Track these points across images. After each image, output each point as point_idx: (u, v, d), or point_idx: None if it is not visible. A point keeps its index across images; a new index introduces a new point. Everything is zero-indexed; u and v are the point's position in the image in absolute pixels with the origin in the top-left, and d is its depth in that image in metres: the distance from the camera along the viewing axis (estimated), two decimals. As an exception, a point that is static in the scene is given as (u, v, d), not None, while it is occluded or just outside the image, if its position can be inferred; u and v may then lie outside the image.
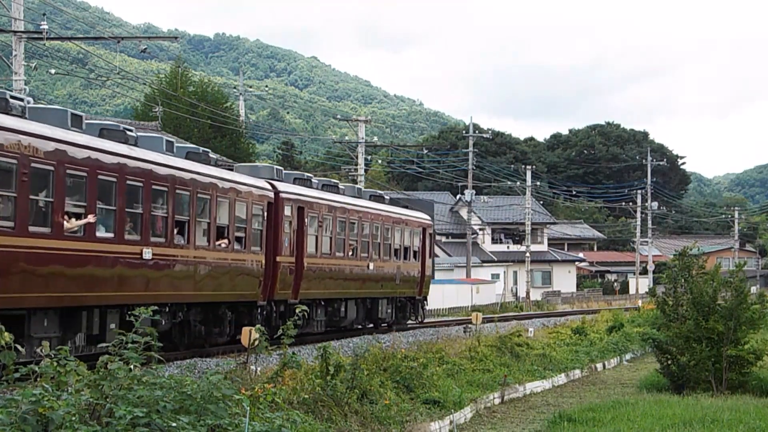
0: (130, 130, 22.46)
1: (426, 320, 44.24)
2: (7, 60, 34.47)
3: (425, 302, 42.61)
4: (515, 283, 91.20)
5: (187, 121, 73.95)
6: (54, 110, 20.50)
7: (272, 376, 16.90)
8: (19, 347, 11.74)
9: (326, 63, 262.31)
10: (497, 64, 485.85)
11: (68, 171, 19.09)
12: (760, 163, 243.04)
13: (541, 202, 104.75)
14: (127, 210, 21.16)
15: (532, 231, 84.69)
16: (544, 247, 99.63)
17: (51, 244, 18.69)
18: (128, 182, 21.14)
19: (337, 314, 33.29)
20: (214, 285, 25.30)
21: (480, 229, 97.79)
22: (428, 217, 42.71)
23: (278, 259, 28.70)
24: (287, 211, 29.37)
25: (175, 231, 23.26)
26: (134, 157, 21.53)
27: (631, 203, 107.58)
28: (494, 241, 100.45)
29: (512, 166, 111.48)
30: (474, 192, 78.43)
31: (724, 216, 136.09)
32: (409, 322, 40.31)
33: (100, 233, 20.29)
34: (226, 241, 25.77)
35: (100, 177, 20.10)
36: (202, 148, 27.20)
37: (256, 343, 17.64)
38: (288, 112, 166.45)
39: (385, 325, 37.65)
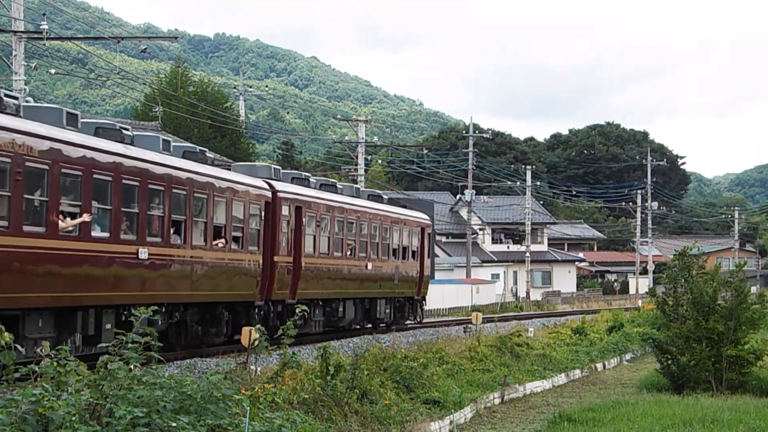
0: (126, 129, 22.34)
1: (426, 320, 44.16)
2: (7, 60, 34.44)
3: (424, 302, 42.52)
4: (515, 283, 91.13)
5: (187, 121, 73.86)
6: (49, 109, 20.37)
7: (272, 376, 16.90)
8: (19, 347, 11.80)
9: (326, 63, 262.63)
10: (497, 64, 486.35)
11: (63, 170, 18.96)
12: (760, 163, 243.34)
13: (541, 202, 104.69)
14: (122, 209, 21.02)
15: (532, 231, 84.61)
16: (544, 247, 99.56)
17: (46, 244, 18.56)
18: (124, 181, 21.01)
19: (335, 314, 33.17)
20: (211, 285, 25.17)
21: (480, 229, 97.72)
22: (427, 217, 42.59)
23: (276, 258, 28.57)
24: (285, 210, 29.24)
25: (172, 231, 23.13)
26: (130, 156, 21.40)
27: (631, 203, 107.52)
28: (494, 241, 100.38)
29: (512, 166, 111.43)
30: (474, 192, 78.37)
31: (724, 216, 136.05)
32: (408, 322, 40.19)
33: (96, 233, 20.16)
34: (223, 240, 25.64)
35: (95, 176, 19.97)
36: (199, 147, 27.09)
37: (256, 343, 17.61)
38: (288, 112, 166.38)
39: (384, 325, 37.53)
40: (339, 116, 76.67)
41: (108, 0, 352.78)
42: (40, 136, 18.35)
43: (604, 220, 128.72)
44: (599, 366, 37.44)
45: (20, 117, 18.52)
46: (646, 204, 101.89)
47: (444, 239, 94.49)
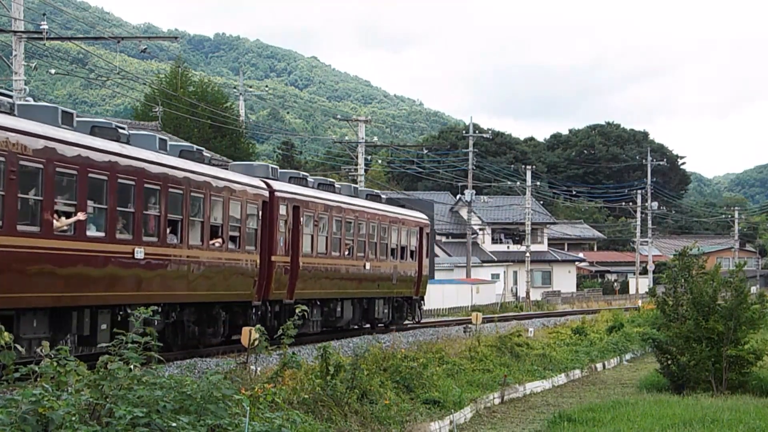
0: (122, 128, 22.21)
1: (426, 320, 44.08)
2: (7, 60, 34.41)
3: (422, 302, 42.42)
4: (515, 283, 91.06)
5: (187, 121, 73.80)
6: (44, 107, 20.22)
7: (272, 376, 16.89)
8: (18, 347, 11.78)
9: (326, 63, 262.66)
10: (497, 64, 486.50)
11: (58, 169, 18.82)
12: (760, 163, 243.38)
13: (541, 202, 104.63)
14: (118, 209, 20.88)
15: (532, 231, 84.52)
16: (544, 247, 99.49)
17: (40, 244, 18.42)
18: (120, 181, 20.86)
19: (333, 314, 33.03)
20: (207, 285, 25.03)
21: (480, 229, 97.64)
22: (425, 217, 42.45)
23: (273, 258, 28.43)
24: (282, 210, 29.11)
25: (168, 230, 23.00)
26: (126, 155, 21.26)
27: (631, 203, 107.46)
28: (494, 241, 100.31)
29: (512, 166, 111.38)
30: (474, 192, 78.32)
31: (724, 216, 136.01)
32: (406, 322, 40.07)
33: (91, 232, 20.02)
34: (220, 240, 25.51)
35: (90, 175, 19.82)
36: (196, 147, 26.95)
37: (256, 343, 17.57)
38: (288, 112, 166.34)
39: (382, 325, 37.41)
40: (339, 116, 76.59)
41: (108, 0, 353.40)
42: (34, 135, 18.20)
43: (604, 220, 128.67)
44: (599, 366, 37.36)
45: (14, 115, 18.38)
46: (646, 204, 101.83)
47: (444, 239, 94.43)
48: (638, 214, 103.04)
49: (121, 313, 20.89)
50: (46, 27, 33.97)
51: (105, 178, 20.34)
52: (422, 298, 42.05)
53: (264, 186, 28.40)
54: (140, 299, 20.81)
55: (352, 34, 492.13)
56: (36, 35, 34.40)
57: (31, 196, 18.22)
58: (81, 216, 19.41)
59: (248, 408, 12.64)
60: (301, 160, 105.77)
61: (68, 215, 19.27)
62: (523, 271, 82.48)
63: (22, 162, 17.76)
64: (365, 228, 35.03)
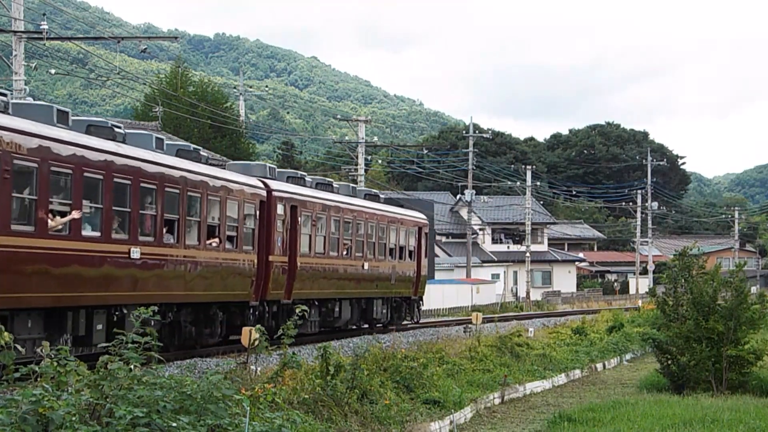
0: (119, 127, 22.07)
1: (426, 320, 44.01)
2: (7, 60, 34.38)
3: (421, 302, 42.32)
4: (515, 283, 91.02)
5: (187, 121, 73.73)
6: (39, 106, 20.12)
7: (272, 376, 16.88)
8: (18, 347, 11.76)
9: (326, 63, 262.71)
10: (497, 64, 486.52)
11: (53, 168, 18.69)
12: (760, 163, 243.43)
13: (541, 202, 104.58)
14: (114, 208, 20.74)
15: (532, 231, 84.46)
16: (544, 247, 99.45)
17: (35, 243, 18.28)
18: (115, 180, 20.73)
19: (331, 314, 32.91)
20: (204, 285, 24.90)
21: (480, 229, 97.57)
22: (424, 217, 42.31)
23: (271, 258, 28.30)
24: (280, 209, 28.97)
25: (165, 230, 22.87)
26: (122, 155, 21.13)
27: (631, 203, 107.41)
28: (494, 241, 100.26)
29: (512, 166, 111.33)
30: (474, 192, 78.29)
31: (724, 216, 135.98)
32: (405, 322, 39.98)
33: (87, 232, 19.89)
34: (217, 240, 25.38)
35: (86, 174, 19.69)
36: (192, 146, 26.83)
37: (256, 343, 17.53)
38: (288, 112, 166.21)
39: (380, 325, 37.30)
40: (339, 116, 76.55)
41: (108, 0, 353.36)
42: (28, 134, 18.07)
43: (604, 220, 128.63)
44: (599, 366, 37.30)
45: (9, 114, 18.25)
46: (646, 204, 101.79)
47: (444, 239, 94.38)
48: (638, 214, 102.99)
49: (116, 313, 20.78)
50: (46, 27, 33.96)
51: (101, 177, 20.20)
52: (421, 298, 41.96)
53: (261, 185, 28.27)
54: (136, 299, 20.69)
55: (352, 34, 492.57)
56: (36, 35, 34.38)
57: (26, 196, 18.09)
58: (76, 215, 19.25)
59: (248, 408, 12.63)
60: (301, 160, 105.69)
61: (63, 215, 19.13)
62: (523, 271, 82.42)
63: (16, 161, 17.63)
64: (363, 228, 34.91)
